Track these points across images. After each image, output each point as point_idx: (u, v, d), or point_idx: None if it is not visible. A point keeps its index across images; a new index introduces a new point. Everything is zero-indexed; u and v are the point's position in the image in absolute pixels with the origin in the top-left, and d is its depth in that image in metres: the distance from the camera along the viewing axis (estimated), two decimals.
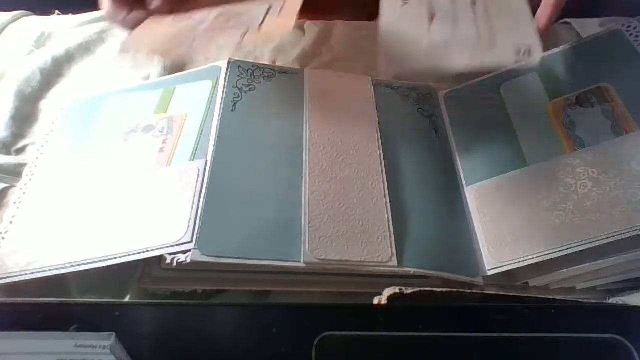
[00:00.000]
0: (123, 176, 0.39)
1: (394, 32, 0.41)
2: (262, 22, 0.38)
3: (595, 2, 0.50)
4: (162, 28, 0.38)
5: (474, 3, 0.41)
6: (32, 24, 0.56)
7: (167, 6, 0.41)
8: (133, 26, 0.40)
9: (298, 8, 0.40)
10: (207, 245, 0.33)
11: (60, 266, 0.34)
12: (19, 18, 0.57)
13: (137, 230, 0.34)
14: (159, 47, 0.36)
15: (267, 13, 0.40)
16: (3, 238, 0.37)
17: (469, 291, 0.33)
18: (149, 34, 0.37)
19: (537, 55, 0.36)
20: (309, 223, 0.35)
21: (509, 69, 0.46)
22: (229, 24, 0.38)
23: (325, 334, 0.28)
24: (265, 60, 0.52)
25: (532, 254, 0.35)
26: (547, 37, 0.40)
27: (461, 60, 0.37)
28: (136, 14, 0.40)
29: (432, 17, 0.40)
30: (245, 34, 0.37)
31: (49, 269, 0.34)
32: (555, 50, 0.46)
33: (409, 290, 0.30)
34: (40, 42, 0.54)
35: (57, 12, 0.59)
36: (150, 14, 0.41)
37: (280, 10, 0.40)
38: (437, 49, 0.38)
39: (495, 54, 0.37)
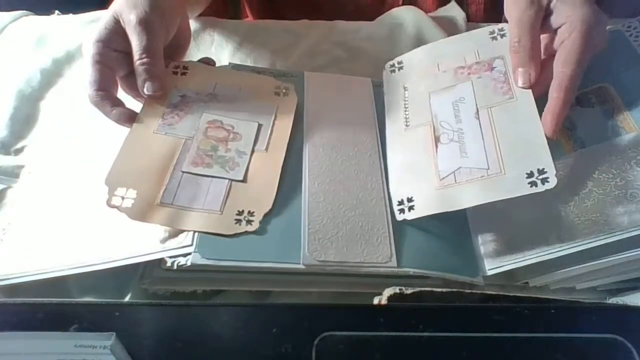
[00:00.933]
0: None
1: (399, 162, 0.40)
2: (247, 168, 0.37)
3: (595, 2, 0.50)
4: (139, 160, 0.37)
5: (477, 114, 0.39)
6: (32, 24, 0.56)
7: (160, 91, 0.40)
8: (119, 119, 0.38)
9: (286, 140, 0.40)
10: (207, 248, 0.33)
11: (60, 268, 0.34)
12: (19, 18, 0.57)
13: (138, 233, 0.34)
14: (139, 186, 0.35)
15: (257, 133, 0.40)
16: (2, 239, 0.37)
17: (469, 291, 0.33)
18: (127, 170, 0.36)
19: (553, 181, 0.33)
20: (308, 224, 0.35)
21: None
22: (212, 157, 0.37)
23: (325, 334, 0.28)
24: (266, 61, 0.52)
25: (532, 254, 0.35)
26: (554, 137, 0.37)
27: (471, 197, 0.35)
28: (121, 110, 0.39)
29: (437, 140, 0.39)
30: (230, 186, 0.36)
31: (50, 271, 0.34)
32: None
33: (409, 290, 0.30)
34: (40, 42, 0.54)
35: (57, 12, 0.59)
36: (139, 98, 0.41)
37: (269, 137, 0.40)
38: (444, 185, 0.36)
39: (506, 186, 0.34)
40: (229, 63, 0.47)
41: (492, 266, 0.36)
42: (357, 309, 0.30)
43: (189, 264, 0.32)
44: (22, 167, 0.43)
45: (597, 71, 0.42)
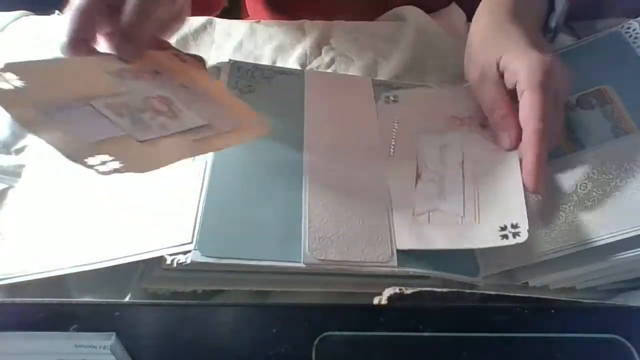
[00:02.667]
0: (123, 177, 0.39)
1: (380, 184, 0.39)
2: (156, 139, 0.33)
3: (595, 3, 0.50)
4: (62, 72, 0.34)
5: (462, 164, 0.39)
6: (32, 24, 0.56)
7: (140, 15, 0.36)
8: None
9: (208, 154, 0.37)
10: (207, 246, 0.33)
11: (60, 267, 0.34)
12: (19, 18, 0.57)
13: (138, 231, 0.34)
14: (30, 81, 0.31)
15: (195, 127, 0.36)
16: (3, 239, 0.37)
17: (469, 291, 0.33)
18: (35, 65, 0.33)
19: (524, 235, 0.34)
20: (309, 223, 0.35)
21: None
22: (131, 113, 0.34)
23: (325, 334, 0.28)
24: (266, 61, 0.52)
25: (530, 254, 0.35)
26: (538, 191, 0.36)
27: (441, 240, 0.35)
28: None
29: (419, 175, 0.39)
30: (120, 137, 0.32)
31: (50, 270, 0.34)
32: (555, 51, 0.46)
33: (409, 290, 0.30)
34: (40, 42, 0.54)
35: (57, 12, 0.59)
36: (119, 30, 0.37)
37: (201, 138, 0.35)
38: (417, 221, 0.36)
39: (478, 236, 0.35)
40: (229, 60, 0.47)
41: (492, 266, 0.36)
42: (357, 309, 0.31)
43: (188, 261, 0.32)
44: (22, 166, 0.43)
45: (597, 73, 0.42)
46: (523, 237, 0.34)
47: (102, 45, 0.38)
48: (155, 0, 0.37)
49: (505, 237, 0.34)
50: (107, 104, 0.34)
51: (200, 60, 0.44)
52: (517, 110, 0.38)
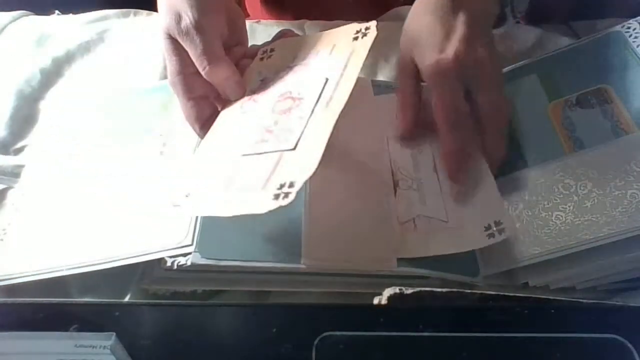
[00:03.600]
0: (124, 178, 0.39)
1: None
2: (302, 134, 0.32)
3: (594, 3, 0.50)
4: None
5: (435, 168, 0.40)
6: (32, 24, 0.56)
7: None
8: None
9: (348, 91, 0.34)
10: (207, 247, 0.33)
11: (60, 268, 0.34)
12: (18, 18, 0.57)
13: (138, 233, 0.34)
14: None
15: (322, 89, 0.35)
16: (2, 239, 0.37)
17: (469, 291, 0.33)
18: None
19: (509, 230, 0.35)
20: (309, 224, 0.35)
21: (506, 70, 0.46)
22: (272, 132, 0.34)
23: (325, 334, 0.28)
24: None
25: (532, 254, 0.35)
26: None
27: (431, 247, 0.35)
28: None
29: (396, 184, 0.39)
30: (279, 160, 0.32)
31: (50, 271, 0.34)
32: (555, 51, 0.46)
33: (409, 290, 0.30)
34: (40, 42, 0.54)
35: (57, 12, 0.59)
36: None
37: (335, 90, 0.34)
38: (405, 229, 0.36)
39: (466, 238, 0.36)
40: None
41: (492, 266, 0.36)
42: (357, 309, 0.31)
43: (189, 263, 0.32)
44: (22, 167, 0.43)
45: (596, 72, 0.42)
46: (508, 232, 0.35)
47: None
48: (209, 36, 0.37)
49: (492, 235, 0.35)
50: (249, 144, 0.34)
51: (288, 34, 0.43)
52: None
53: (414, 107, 0.41)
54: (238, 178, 0.32)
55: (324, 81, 0.35)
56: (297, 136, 0.32)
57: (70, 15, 0.58)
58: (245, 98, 0.39)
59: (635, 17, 0.44)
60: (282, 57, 0.40)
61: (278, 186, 0.29)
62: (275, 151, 0.32)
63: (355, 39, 0.37)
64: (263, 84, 0.39)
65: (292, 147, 0.32)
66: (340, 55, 0.37)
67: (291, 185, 0.29)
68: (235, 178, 0.33)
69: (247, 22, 0.56)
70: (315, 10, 0.58)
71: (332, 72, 0.36)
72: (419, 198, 0.38)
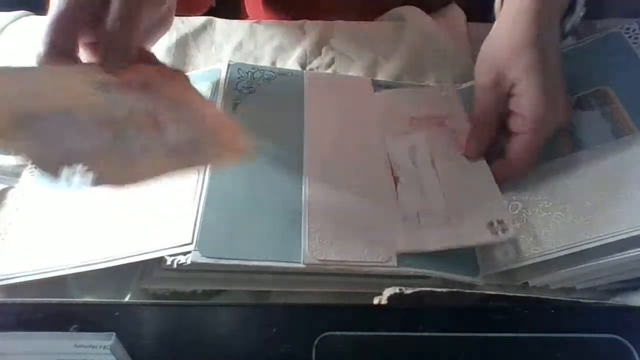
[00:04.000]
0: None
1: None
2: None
3: (594, 4, 0.50)
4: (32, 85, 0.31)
5: (432, 164, 0.40)
6: (32, 24, 0.56)
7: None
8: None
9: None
10: (207, 246, 0.33)
11: (60, 267, 0.34)
12: (19, 18, 0.57)
13: (138, 232, 0.34)
14: None
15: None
16: (3, 239, 0.37)
17: (469, 291, 0.33)
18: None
19: (512, 230, 0.35)
20: (309, 224, 0.35)
21: None
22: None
23: (325, 334, 0.28)
24: (266, 61, 0.52)
25: (532, 254, 0.35)
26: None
27: (437, 240, 0.36)
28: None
29: (396, 180, 0.39)
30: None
31: (50, 270, 0.34)
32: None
33: (409, 290, 0.30)
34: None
35: None
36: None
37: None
38: (408, 225, 0.37)
39: (470, 234, 0.36)
40: (229, 61, 0.47)
41: (492, 266, 0.36)
42: (357, 309, 0.31)
43: (188, 262, 0.32)
44: (22, 166, 0.43)
45: (596, 73, 0.42)
46: (511, 232, 0.35)
47: (84, 55, 0.36)
48: (139, 6, 0.35)
49: (495, 233, 0.36)
50: (90, 114, 0.32)
51: (182, 76, 0.40)
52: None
53: (490, 139, 0.41)
54: None
55: (193, 137, 0.34)
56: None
57: None
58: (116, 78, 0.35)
59: (635, 17, 0.44)
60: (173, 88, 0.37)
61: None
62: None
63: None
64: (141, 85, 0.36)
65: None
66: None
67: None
68: None
69: (247, 22, 0.56)
70: (315, 10, 0.58)
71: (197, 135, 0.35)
72: (419, 194, 0.38)
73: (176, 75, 0.39)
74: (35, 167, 0.28)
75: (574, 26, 0.43)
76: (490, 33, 0.42)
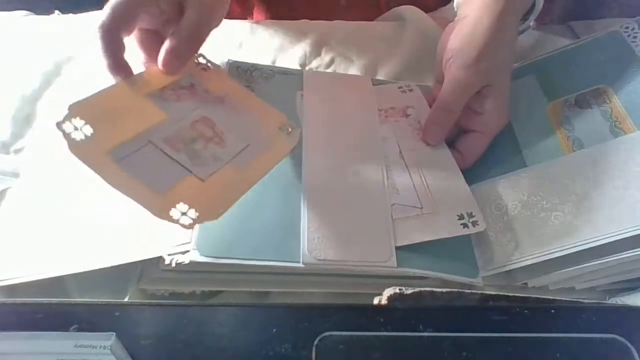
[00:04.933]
0: None
1: None
2: (213, 173, 0.33)
3: (594, 3, 0.50)
4: (114, 110, 0.33)
5: (400, 154, 0.40)
6: (32, 24, 0.56)
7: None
8: (111, 65, 0.35)
9: (267, 171, 0.35)
10: (205, 245, 0.33)
11: (60, 267, 0.34)
12: (19, 18, 0.57)
13: (137, 232, 0.34)
14: (99, 127, 0.31)
15: (242, 150, 0.36)
16: (3, 239, 0.37)
17: (469, 291, 0.33)
18: (97, 109, 0.32)
19: (482, 224, 0.36)
20: (308, 223, 0.35)
21: None
22: (186, 145, 0.34)
23: (325, 334, 0.28)
24: (266, 61, 0.52)
25: (531, 254, 0.35)
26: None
27: (408, 234, 0.36)
28: (119, 58, 0.35)
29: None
30: (185, 179, 0.32)
31: (49, 271, 0.34)
32: (554, 51, 0.46)
33: (409, 290, 0.30)
34: (40, 42, 0.54)
35: (57, 12, 0.59)
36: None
37: (253, 160, 0.35)
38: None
39: (441, 226, 0.36)
40: (228, 60, 0.47)
41: (492, 266, 0.36)
42: (357, 309, 0.30)
43: (187, 261, 0.32)
44: (22, 167, 0.43)
45: (595, 72, 0.42)
46: (482, 226, 0.36)
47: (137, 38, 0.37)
48: (210, 20, 0.37)
49: (465, 225, 0.36)
50: (164, 139, 0.34)
51: (220, 69, 0.43)
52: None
53: (450, 129, 0.42)
54: None
55: (245, 145, 0.36)
56: (209, 172, 0.34)
57: (70, 15, 0.58)
58: (171, 86, 0.38)
59: (634, 17, 0.44)
60: (216, 82, 0.40)
61: (176, 202, 0.31)
62: (185, 169, 0.33)
63: (281, 129, 0.39)
64: (191, 88, 0.39)
65: (202, 178, 0.33)
66: (265, 134, 0.38)
67: (191, 211, 0.30)
68: None
69: (247, 22, 0.56)
70: (315, 11, 0.58)
71: (255, 145, 0.37)
72: (391, 185, 0.39)
73: (212, 66, 0.41)
74: (155, 215, 0.30)
75: (524, 31, 0.45)
76: (460, 22, 0.41)
